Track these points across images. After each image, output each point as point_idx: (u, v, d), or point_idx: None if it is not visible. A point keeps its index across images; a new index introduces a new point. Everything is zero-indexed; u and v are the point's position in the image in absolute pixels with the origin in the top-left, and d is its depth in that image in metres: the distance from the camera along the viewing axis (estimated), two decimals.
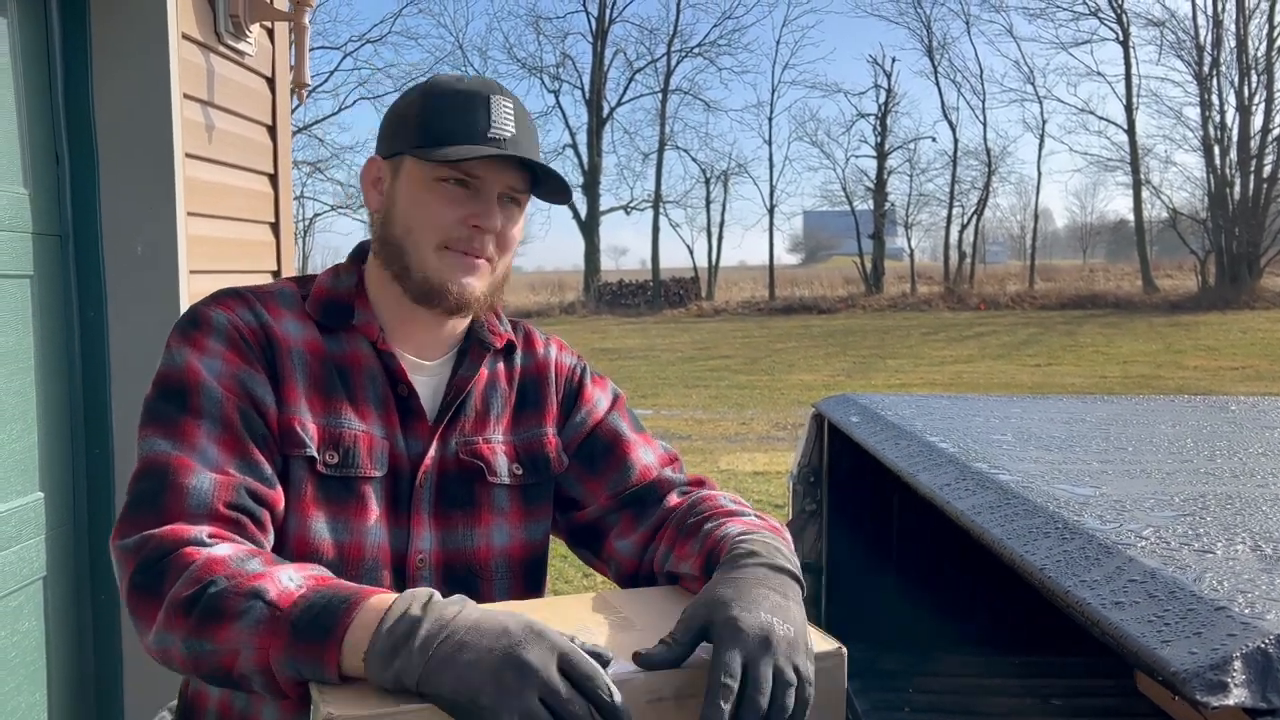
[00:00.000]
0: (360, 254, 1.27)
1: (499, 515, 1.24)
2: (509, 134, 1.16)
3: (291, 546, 1.12)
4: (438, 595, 0.91)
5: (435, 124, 1.16)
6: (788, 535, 1.18)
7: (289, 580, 0.95)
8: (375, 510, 1.16)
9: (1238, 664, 0.78)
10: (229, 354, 1.13)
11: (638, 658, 0.92)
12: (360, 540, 1.15)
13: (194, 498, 1.03)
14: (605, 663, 0.89)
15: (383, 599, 0.91)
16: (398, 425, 1.19)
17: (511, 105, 1.18)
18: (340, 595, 0.92)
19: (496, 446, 1.25)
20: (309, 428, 1.14)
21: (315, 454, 1.13)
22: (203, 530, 1.01)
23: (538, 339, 1.36)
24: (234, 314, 1.16)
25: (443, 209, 1.16)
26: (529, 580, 1.27)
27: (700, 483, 1.31)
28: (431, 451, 1.20)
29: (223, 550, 0.98)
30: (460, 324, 1.26)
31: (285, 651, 0.90)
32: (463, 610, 0.89)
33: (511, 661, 0.83)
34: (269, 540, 1.09)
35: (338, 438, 1.15)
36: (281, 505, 1.11)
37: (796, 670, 0.91)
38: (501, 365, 1.30)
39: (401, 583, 1.17)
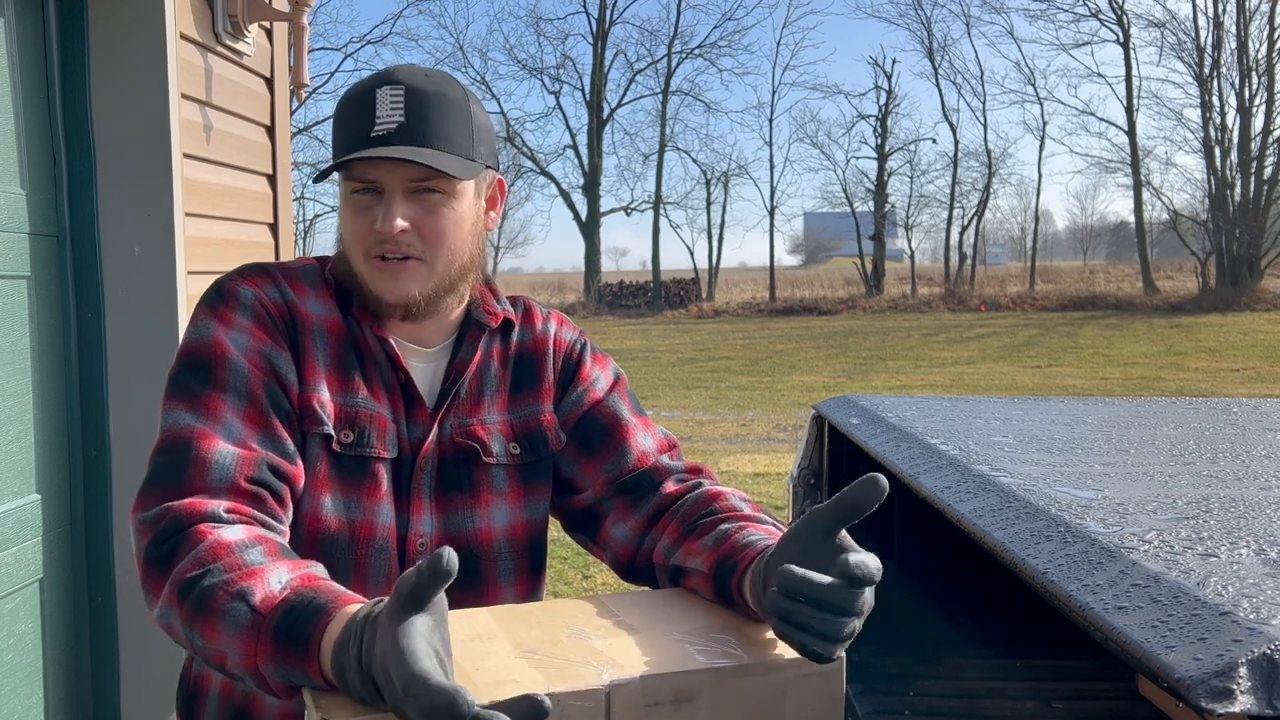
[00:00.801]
0: None
1: (498, 496, 1.23)
2: (393, 125, 1.11)
3: (304, 524, 1.12)
4: (380, 607, 0.83)
5: (336, 136, 1.17)
6: None
7: (277, 582, 0.93)
8: (385, 490, 1.17)
9: (1243, 670, 0.77)
10: (255, 329, 1.13)
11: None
12: (372, 519, 1.15)
13: (216, 471, 1.03)
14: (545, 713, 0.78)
15: (343, 616, 0.87)
16: (403, 410, 1.20)
17: (401, 89, 1.13)
18: (318, 601, 0.90)
19: (492, 427, 1.24)
20: (327, 406, 1.14)
21: (331, 432, 1.14)
22: (221, 505, 1.01)
23: (537, 314, 1.34)
24: (260, 290, 1.16)
25: (355, 220, 1.16)
26: (531, 559, 1.27)
27: (698, 470, 1.30)
28: (431, 436, 1.20)
29: (232, 534, 0.97)
30: (452, 311, 1.25)
31: (271, 660, 0.89)
32: (374, 649, 0.80)
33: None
34: (288, 515, 1.09)
35: (354, 417, 1.16)
36: (301, 481, 1.12)
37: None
38: (497, 344, 1.29)
39: (404, 565, 1.17)
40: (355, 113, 1.14)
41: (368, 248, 1.15)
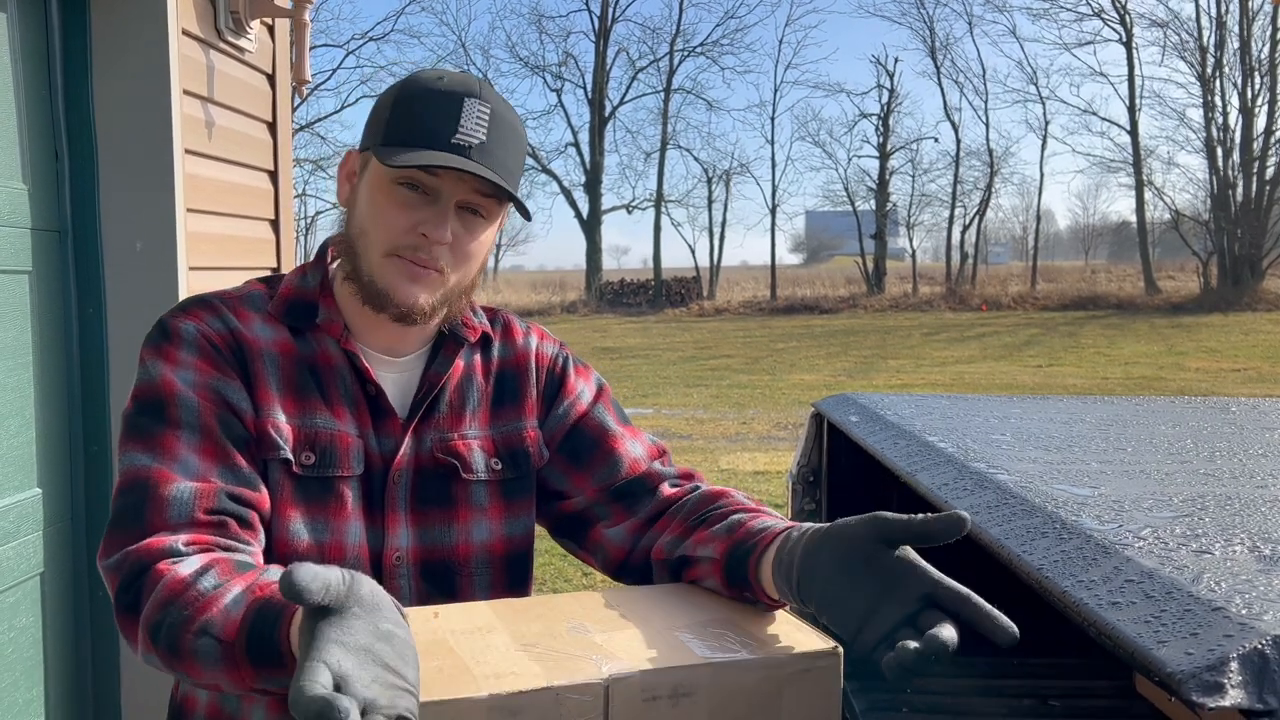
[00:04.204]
0: (326, 251, 1.25)
1: (478, 511, 1.22)
2: (476, 141, 1.10)
3: (273, 548, 1.11)
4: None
5: (401, 123, 1.13)
6: None
7: (234, 604, 0.92)
8: (353, 508, 1.15)
9: (1234, 665, 0.78)
10: (201, 363, 1.12)
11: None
12: (340, 540, 1.14)
13: (174, 508, 1.03)
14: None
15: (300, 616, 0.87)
16: (370, 423, 1.18)
17: (489, 109, 1.12)
18: (273, 609, 0.89)
19: (473, 442, 1.23)
20: (283, 430, 1.13)
21: (290, 456, 1.12)
22: (180, 539, 1.00)
23: (517, 329, 1.33)
24: (203, 323, 1.14)
25: (395, 214, 1.13)
26: (511, 576, 1.25)
27: (690, 475, 1.30)
28: (404, 449, 1.18)
29: (186, 567, 0.97)
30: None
31: (258, 678, 0.89)
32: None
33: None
34: (258, 540, 1.08)
35: (313, 438, 1.14)
36: (267, 506, 1.10)
37: None
38: (478, 358, 1.28)
39: (380, 580, 1.15)
40: (435, 111, 1.11)
41: (397, 245, 1.13)
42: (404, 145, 1.10)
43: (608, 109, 34.40)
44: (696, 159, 40.41)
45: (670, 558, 1.18)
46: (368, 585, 0.79)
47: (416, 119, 1.12)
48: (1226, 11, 28.92)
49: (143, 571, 0.98)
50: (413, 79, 1.16)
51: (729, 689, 0.93)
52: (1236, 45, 28.67)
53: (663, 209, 34.17)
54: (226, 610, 0.91)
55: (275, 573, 0.97)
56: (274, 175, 3.09)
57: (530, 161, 33.92)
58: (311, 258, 1.27)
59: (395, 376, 1.22)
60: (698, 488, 1.27)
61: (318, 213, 30.57)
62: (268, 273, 3.04)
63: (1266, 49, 28.41)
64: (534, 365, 1.31)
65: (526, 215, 1.20)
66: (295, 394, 1.15)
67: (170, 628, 0.92)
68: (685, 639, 0.98)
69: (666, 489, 1.26)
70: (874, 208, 34.01)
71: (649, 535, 1.23)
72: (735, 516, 1.15)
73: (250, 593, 0.93)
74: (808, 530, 1.02)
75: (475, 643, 0.94)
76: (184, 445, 1.07)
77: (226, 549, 1.02)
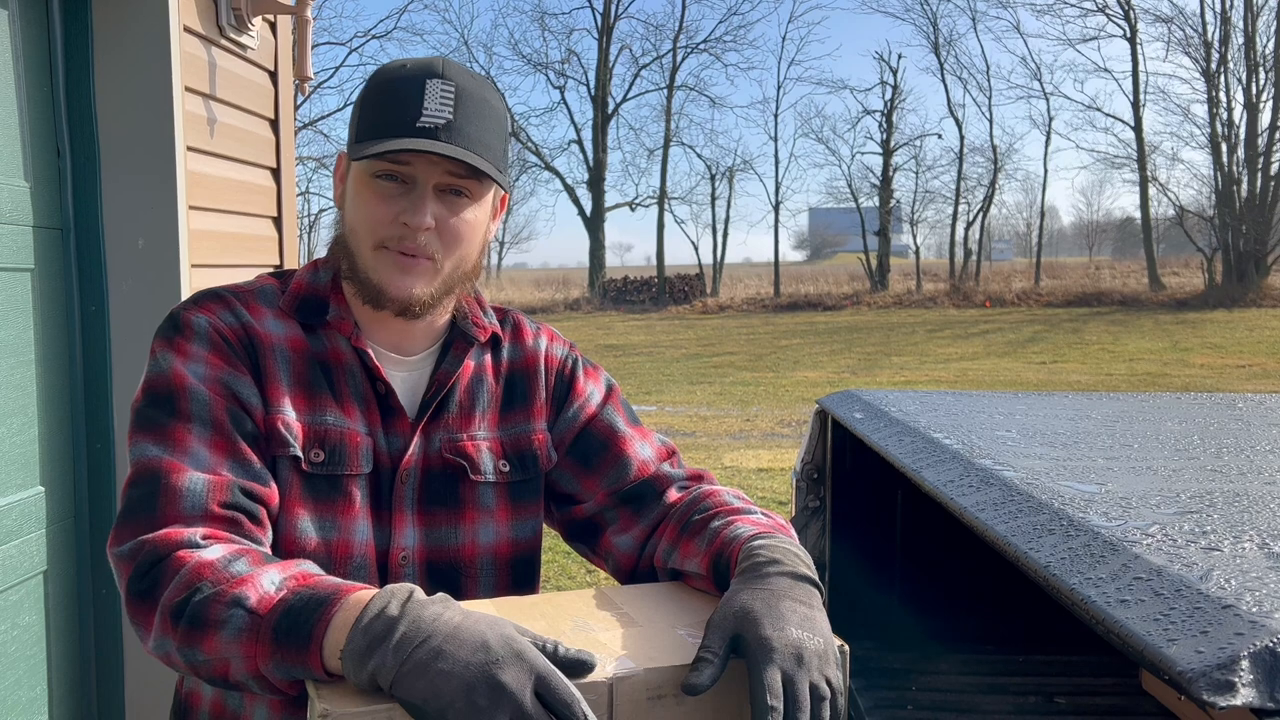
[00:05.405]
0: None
1: (485, 513, 1.22)
2: (442, 121, 1.09)
3: (280, 545, 1.11)
4: (419, 593, 0.89)
5: (369, 117, 1.13)
6: (794, 532, 1.17)
7: (270, 584, 0.94)
8: (361, 507, 1.15)
9: (1245, 663, 0.77)
10: (212, 357, 1.11)
11: (686, 689, 0.89)
12: (348, 538, 1.14)
13: (187, 500, 1.02)
14: (589, 668, 0.88)
15: (362, 595, 0.90)
16: (379, 422, 1.18)
17: (453, 87, 1.11)
18: (319, 595, 0.91)
19: (481, 444, 1.22)
20: (293, 427, 1.13)
21: (299, 453, 1.12)
22: (197, 532, 1.00)
23: (527, 329, 1.32)
24: (215, 316, 1.14)
25: (375, 207, 1.13)
26: (516, 578, 1.25)
27: (699, 477, 1.29)
28: (413, 448, 1.18)
29: (212, 553, 0.97)
30: (439, 318, 1.23)
31: (271, 658, 0.90)
32: (443, 613, 0.87)
33: (486, 680, 0.81)
34: (267, 536, 1.08)
35: (323, 436, 1.14)
36: (276, 502, 1.10)
37: (829, 682, 0.91)
38: (489, 358, 1.27)
39: (385, 579, 1.16)
40: (399, 98, 1.11)
41: (382, 237, 1.13)
42: (373, 138, 1.10)
43: (611, 106, 34.41)
44: (700, 156, 40.51)
45: (665, 567, 1.19)
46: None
47: (381, 109, 1.12)
48: (1231, 7, 28.87)
49: (161, 559, 0.98)
50: (378, 72, 1.16)
51: (732, 687, 0.92)
52: (1241, 41, 28.62)
53: (666, 206, 34.21)
54: (263, 587, 0.93)
55: (311, 565, 0.99)
56: (276, 172, 3.09)
57: (533, 159, 33.95)
58: (316, 255, 1.26)
59: (405, 375, 1.21)
60: (700, 489, 1.26)
61: (320, 210, 30.65)
62: (270, 270, 3.03)
63: (1271, 44, 28.36)
64: (543, 367, 1.30)
65: (502, 185, 1.19)
66: (306, 390, 1.15)
67: (199, 603, 0.93)
68: (689, 637, 0.97)
69: (673, 494, 1.26)
70: (877, 204, 33.99)
71: (652, 542, 1.23)
72: (713, 525, 1.15)
73: (293, 578, 0.95)
74: (745, 562, 1.04)
75: None
76: (195, 438, 1.07)
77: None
